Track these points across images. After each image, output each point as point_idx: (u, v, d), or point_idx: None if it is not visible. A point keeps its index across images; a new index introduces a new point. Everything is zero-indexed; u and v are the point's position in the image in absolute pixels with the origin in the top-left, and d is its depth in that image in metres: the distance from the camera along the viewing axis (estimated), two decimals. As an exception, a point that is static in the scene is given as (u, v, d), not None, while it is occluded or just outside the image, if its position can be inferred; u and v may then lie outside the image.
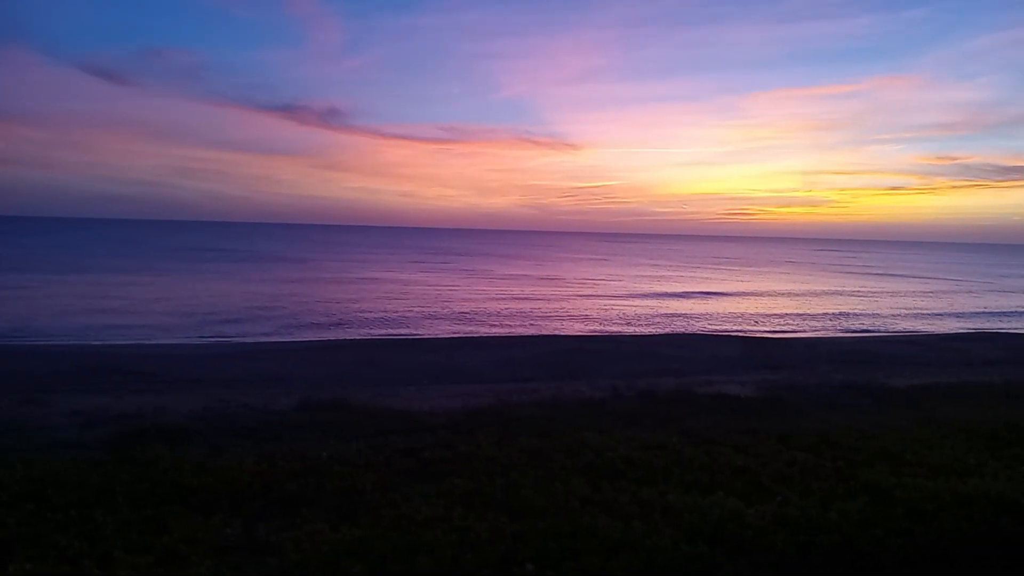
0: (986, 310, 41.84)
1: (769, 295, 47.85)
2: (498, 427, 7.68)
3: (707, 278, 64.43)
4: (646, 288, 51.22)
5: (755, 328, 31.35)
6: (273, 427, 7.83)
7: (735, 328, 31.15)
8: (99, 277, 45.39)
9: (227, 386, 13.62)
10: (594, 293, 46.36)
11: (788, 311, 38.23)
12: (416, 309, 34.44)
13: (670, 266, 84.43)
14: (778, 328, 31.67)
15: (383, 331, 27.43)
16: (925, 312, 40.00)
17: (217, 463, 5.81)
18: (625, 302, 41.04)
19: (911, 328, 32.50)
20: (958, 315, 38.93)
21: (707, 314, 36.24)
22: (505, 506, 5.07)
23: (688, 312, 36.89)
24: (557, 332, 28.18)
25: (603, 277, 61.94)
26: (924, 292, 53.87)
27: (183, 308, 31.42)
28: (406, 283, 49.36)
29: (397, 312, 33.08)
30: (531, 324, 30.59)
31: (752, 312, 37.48)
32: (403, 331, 27.65)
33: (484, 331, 28.09)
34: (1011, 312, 40.95)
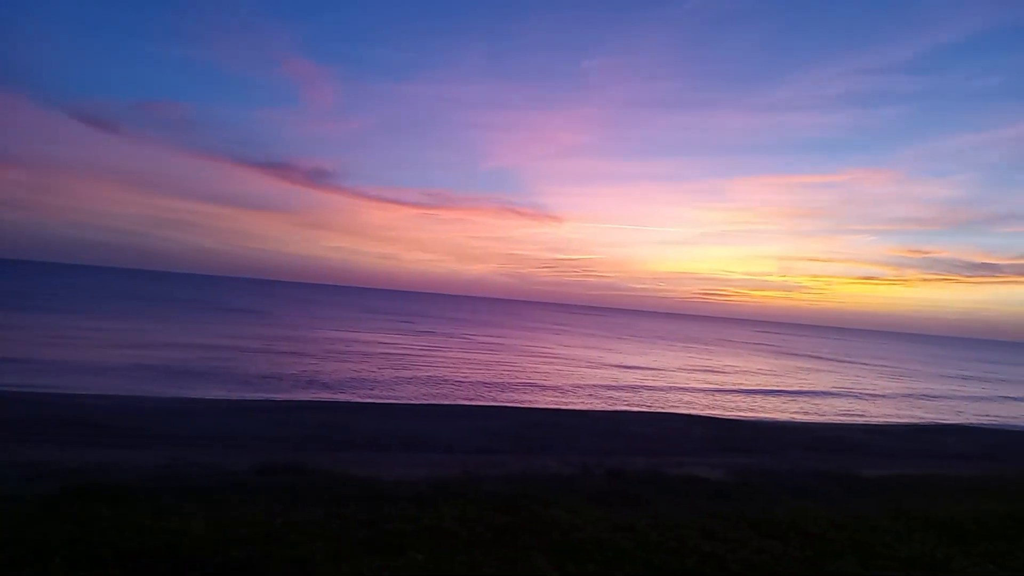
0: (957, 395, 42.47)
1: (741, 374, 48.06)
2: (463, 500, 7.44)
3: (681, 356, 64.60)
4: (618, 363, 51.20)
5: (727, 410, 31.28)
6: (226, 489, 7.50)
7: (707, 408, 31.06)
8: (65, 321, 44.35)
9: (182, 443, 13.15)
10: (568, 365, 46.17)
11: (759, 391, 38.40)
12: (386, 373, 33.95)
13: (641, 341, 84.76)
14: (750, 410, 31.65)
15: (350, 394, 26.87)
16: (900, 402, 40.44)
17: (162, 525, 5.52)
18: (598, 376, 40.87)
19: (884, 417, 32.68)
20: (928, 406, 39.38)
21: (679, 393, 36.17)
22: (463, 584, 4.83)
23: (660, 389, 36.80)
24: (529, 404, 27.85)
25: (578, 349, 61.86)
26: (908, 388, 54.43)
27: (145, 360, 30.65)
28: (377, 345, 48.79)
29: (366, 375, 32.56)
30: (502, 393, 30.23)
31: (724, 390, 37.52)
32: (371, 395, 27.11)
33: (455, 399, 27.66)
34: (982, 400, 41.56)
